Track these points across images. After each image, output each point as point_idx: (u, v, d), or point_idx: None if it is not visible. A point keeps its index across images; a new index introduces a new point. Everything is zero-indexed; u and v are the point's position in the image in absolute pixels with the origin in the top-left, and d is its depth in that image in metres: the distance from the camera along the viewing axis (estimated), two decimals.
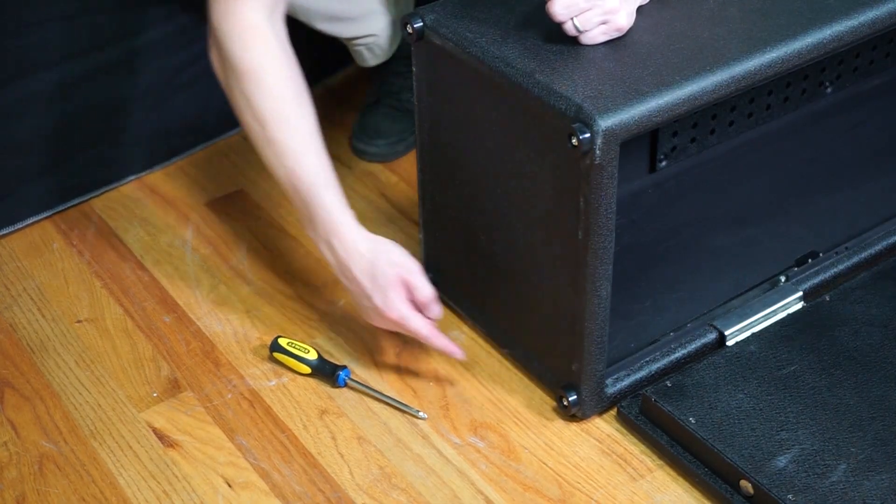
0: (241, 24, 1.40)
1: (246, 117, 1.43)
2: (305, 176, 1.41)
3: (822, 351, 1.44)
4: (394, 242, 1.45)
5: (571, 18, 1.29)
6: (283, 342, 1.51)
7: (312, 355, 1.50)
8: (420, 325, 1.44)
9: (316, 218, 1.43)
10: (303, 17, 1.71)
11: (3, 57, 1.67)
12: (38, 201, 1.79)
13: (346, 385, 1.49)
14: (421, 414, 1.45)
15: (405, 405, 1.45)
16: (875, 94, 1.78)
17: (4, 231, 1.76)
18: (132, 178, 1.86)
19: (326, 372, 1.49)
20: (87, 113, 1.78)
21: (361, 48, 1.80)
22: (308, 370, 1.50)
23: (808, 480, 1.28)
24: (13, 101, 1.71)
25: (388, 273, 1.42)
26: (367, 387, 1.48)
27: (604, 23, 1.30)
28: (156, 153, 1.88)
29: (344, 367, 1.49)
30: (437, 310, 1.46)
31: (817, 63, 1.57)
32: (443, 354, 1.49)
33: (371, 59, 1.82)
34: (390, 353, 1.54)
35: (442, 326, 1.57)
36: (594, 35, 1.31)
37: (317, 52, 1.98)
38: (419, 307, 1.45)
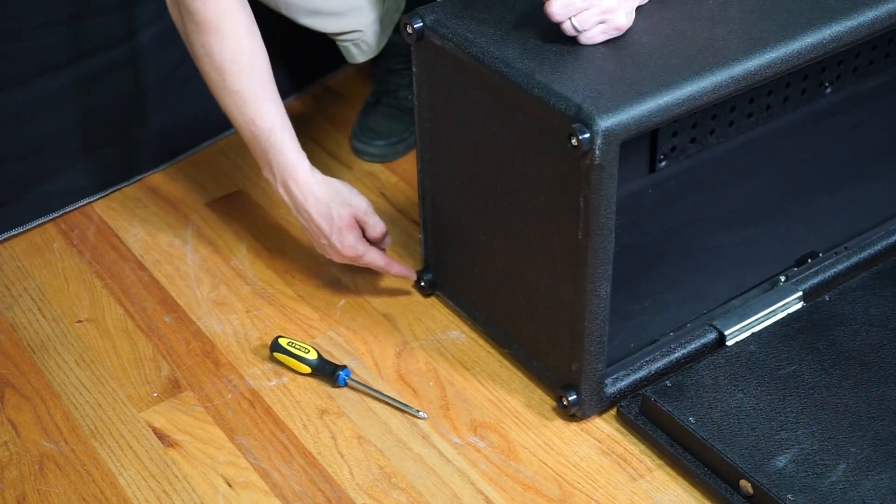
0: None
1: (205, 66, 1.50)
2: (263, 123, 1.50)
3: (822, 351, 1.44)
4: (346, 183, 1.55)
5: (569, 18, 1.29)
6: (283, 342, 1.51)
7: (312, 355, 1.50)
8: (376, 258, 1.56)
9: (274, 162, 1.52)
10: (285, 11, 1.70)
11: (2, 62, 1.68)
12: (43, 205, 1.79)
13: (346, 385, 1.49)
14: (421, 414, 1.45)
15: (405, 405, 1.46)
16: (875, 94, 1.78)
17: (8, 234, 1.76)
18: (137, 178, 1.87)
19: (326, 372, 1.49)
20: (89, 116, 1.78)
21: (348, 44, 1.79)
22: (308, 370, 1.50)
23: (808, 480, 1.28)
24: (15, 106, 1.71)
25: (342, 214, 1.52)
26: (367, 387, 1.48)
27: (602, 22, 1.30)
28: (160, 153, 1.89)
29: (344, 367, 1.49)
30: (388, 240, 1.60)
31: (817, 63, 1.57)
32: (400, 279, 1.62)
33: (358, 55, 1.81)
34: (390, 353, 1.54)
35: (442, 326, 1.58)
36: (593, 34, 1.31)
37: (317, 50, 1.98)
38: (372, 242, 1.57)
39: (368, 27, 1.76)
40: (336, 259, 1.57)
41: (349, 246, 1.53)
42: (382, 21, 1.74)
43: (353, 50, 1.80)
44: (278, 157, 1.51)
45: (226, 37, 1.46)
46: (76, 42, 1.71)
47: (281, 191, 1.53)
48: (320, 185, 1.52)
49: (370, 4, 1.74)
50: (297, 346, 1.50)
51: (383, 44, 1.80)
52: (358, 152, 1.91)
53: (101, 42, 1.74)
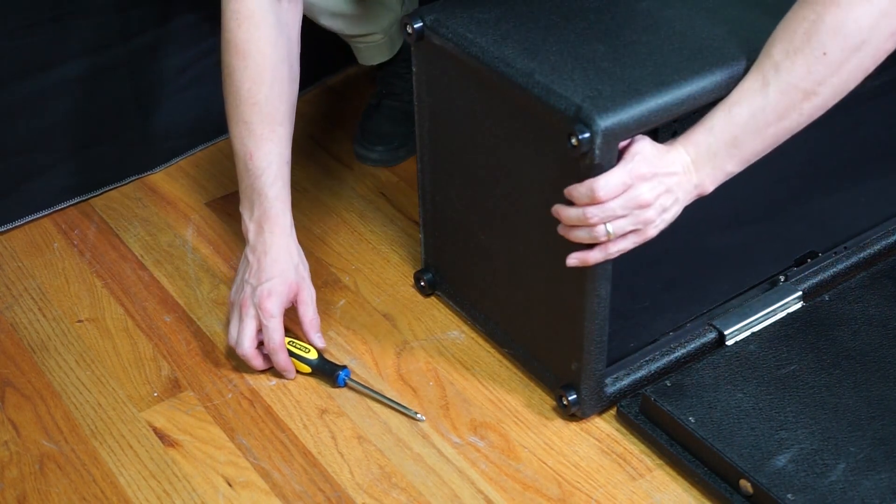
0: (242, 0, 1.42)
1: (226, 86, 1.46)
2: (259, 162, 1.45)
3: (822, 350, 1.44)
4: (307, 268, 1.50)
5: (605, 224, 1.25)
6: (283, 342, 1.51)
7: (313, 355, 1.50)
8: (276, 336, 1.46)
9: (256, 204, 1.46)
10: (306, 12, 1.71)
11: (3, 58, 1.68)
12: (39, 200, 1.79)
13: (346, 385, 1.49)
14: (419, 416, 1.45)
15: (404, 407, 1.45)
16: (875, 94, 1.78)
17: (4, 228, 1.77)
18: (133, 178, 1.87)
19: (326, 372, 1.49)
20: (88, 114, 1.78)
21: (364, 46, 1.80)
22: (308, 370, 1.50)
23: (808, 480, 1.28)
24: (14, 101, 1.72)
25: (296, 278, 1.47)
26: (366, 387, 1.48)
27: (634, 231, 1.26)
28: (156, 154, 1.89)
29: (344, 367, 1.49)
30: (284, 362, 1.48)
31: None
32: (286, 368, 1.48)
33: (375, 57, 1.81)
34: (390, 353, 1.54)
35: (442, 326, 1.58)
36: (623, 244, 1.27)
37: (317, 51, 1.98)
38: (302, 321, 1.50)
39: (385, 31, 1.76)
40: (234, 322, 1.48)
41: (270, 302, 1.44)
42: (399, 24, 1.75)
43: (369, 52, 1.80)
44: (263, 202, 1.45)
45: (250, 65, 1.42)
46: (76, 41, 1.72)
47: (251, 227, 1.47)
48: (296, 246, 1.48)
49: (388, 8, 1.74)
50: (297, 346, 1.50)
51: (398, 47, 1.81)
52: (360, 157, 1.91)
53: (102, 42, 1.74)
